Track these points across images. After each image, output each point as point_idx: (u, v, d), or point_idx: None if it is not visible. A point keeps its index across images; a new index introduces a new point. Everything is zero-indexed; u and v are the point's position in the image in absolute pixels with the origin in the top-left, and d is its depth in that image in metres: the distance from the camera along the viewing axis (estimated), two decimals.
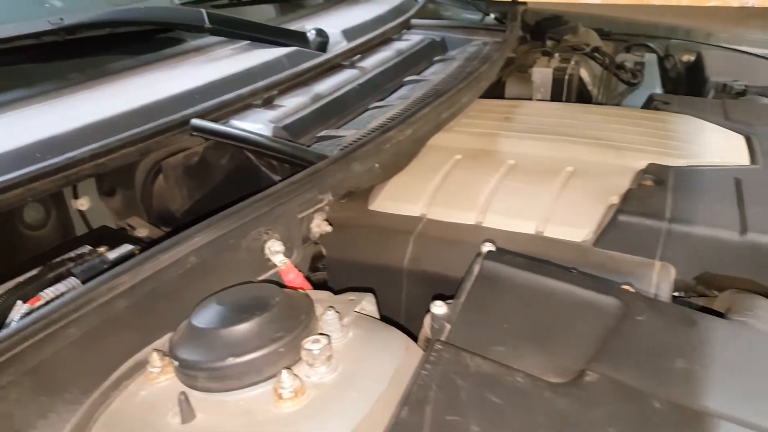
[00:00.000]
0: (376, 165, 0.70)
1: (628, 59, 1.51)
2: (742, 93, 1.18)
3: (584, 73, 1.34)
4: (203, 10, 0.87)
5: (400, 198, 0.78)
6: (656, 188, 0.75)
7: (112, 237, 0.75)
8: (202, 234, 0.51)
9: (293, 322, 0.44)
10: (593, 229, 0.70)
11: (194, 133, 0.73)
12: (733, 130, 0.93)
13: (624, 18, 1.68)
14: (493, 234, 0.69)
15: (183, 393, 0.41)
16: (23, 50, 0.73)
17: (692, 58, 1.47)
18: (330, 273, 0.74)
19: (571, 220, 0.71)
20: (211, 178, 0.83)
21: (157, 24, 0.84)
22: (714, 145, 0.88)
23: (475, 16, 1.47)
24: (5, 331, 0.42)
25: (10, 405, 0.41)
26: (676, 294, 0.65)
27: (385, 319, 0.56)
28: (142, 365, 0.48)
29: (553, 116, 0.99)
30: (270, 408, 0.41)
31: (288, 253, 0.60)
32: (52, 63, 0.76)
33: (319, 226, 0.66)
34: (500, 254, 0.57)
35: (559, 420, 0.38)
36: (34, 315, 0.43)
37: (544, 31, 1.44)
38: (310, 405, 0.41)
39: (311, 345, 0.43)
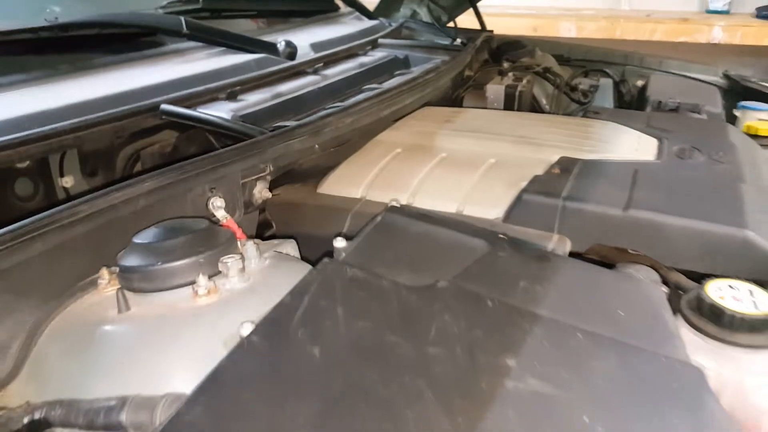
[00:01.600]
0: (316, 146, 0.82)
1: (584, 83, 1.64)
2: (674, 109, 1.30)
3: (537, 92, 1.47)
4: (182, 18, 1.00)
5: (344, 183, 0.89)
6: (561, 175, 0.86)
7: None
8: (152, 181, 0.62)
9: (214, 243, 0.55)
10: (504, 208, 0.81)
11: (163, 117, 0.85)
12: (649, 135, 1.05)
13: (584, 45, 1.82)
14: None
15: (120, 289, 0.52)
16: (22, 42, 0.85)
17: (644, 82, 1.60)
18: None
19: (486, 202, 0.83)
20: None
21: (140, 27, 0.97)
22: (626, 145, 1.00)
23: (445, 42, 1.61)
24: None
25: None
26: None
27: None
28: (94, 284, 0.59)
29: (488, 120, 1.11)
30: (189, 303, 0.52)
31: (230, 212, 0.71)
32: (46, 55, 0.89)
33: (260, 192, 0.77)
34: (401, 209, 0.68)
35: (406, 308, 0.49)
36: (7, 228, 0.54)
37: (503, 53, 1.58)
38: (220, 301, 0.52)
39: (227, 259, 0.54)
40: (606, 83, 1.70)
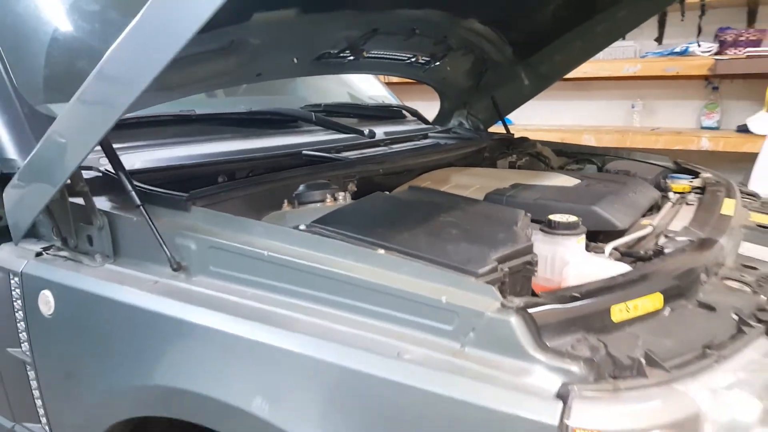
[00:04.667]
0: (380, 170, 1.59)
1: (573, 166, 2.35)
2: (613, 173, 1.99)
3: (534, 165, 2.20)
4: (313, 113, 1.83)
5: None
6: (510, 188, 1.57)
7: None
8: (303, 172, 1.40)
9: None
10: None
11: (303, 157, 1.64)
12: (577, 178, 1.74)
13: (579, 145, 2.55)
14: None
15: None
16: (229, 119, 1.69)
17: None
18: None
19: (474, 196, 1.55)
20: None
21: (292, 117, 1.81)
22: (558, 180, 1.69)
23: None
24: None
25: None
26: None
27: None
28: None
29: (485, 173, 1.85)
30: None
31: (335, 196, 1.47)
32: (242, 127, 1.72)
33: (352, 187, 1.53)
34: (421, 188, 1.42)
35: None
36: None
37: (516, 145, 2.33)
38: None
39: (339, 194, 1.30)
40: (591, 167, 2.40)
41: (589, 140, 3.55)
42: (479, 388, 0.79)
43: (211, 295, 1.03)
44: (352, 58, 1.68)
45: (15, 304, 1.26)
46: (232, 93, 1.88)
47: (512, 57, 2.27)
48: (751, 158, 3.30)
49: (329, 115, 1.94)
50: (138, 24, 0.91)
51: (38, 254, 1.25)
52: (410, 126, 2.28)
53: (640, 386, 0.78)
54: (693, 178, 1.97)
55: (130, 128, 1.18)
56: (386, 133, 2.02)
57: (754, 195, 1.98)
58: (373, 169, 1.54)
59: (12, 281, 1.25)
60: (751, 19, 3.61)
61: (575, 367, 0.78)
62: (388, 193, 1.32)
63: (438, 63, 2.07)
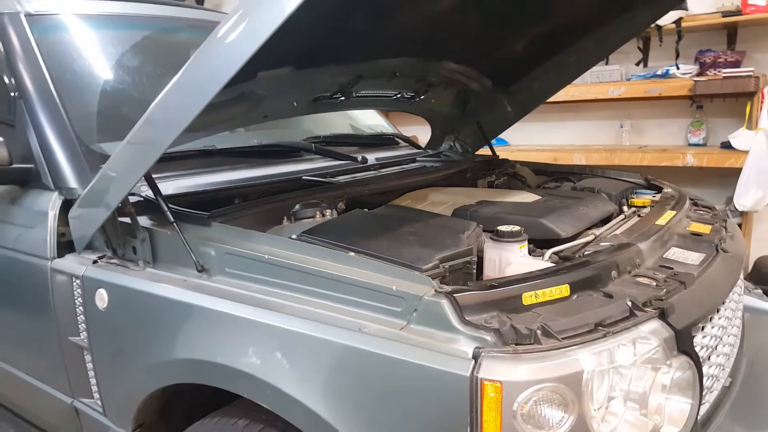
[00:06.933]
0: (366, 191, 1.90)
1: (551, 184, 2.64)
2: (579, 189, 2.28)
3: (510, 184, 2.50)
4: (313, 144, 2.16)
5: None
6: (476, 204, 1.87)
7: None
8: (299, 194, 1.72)
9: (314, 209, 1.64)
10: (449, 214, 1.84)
11: (303, 181, 1.97)
12: (539, 195, 2.04)
13: (557, 165, 2.85)
14: None
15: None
16: (242, 153, 2.02)
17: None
18: None
19: (445, 212, 1.86)
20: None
21: (293, 148, 2.14)
22: (521, 197, 2.00)
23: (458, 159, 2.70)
24: None
25: None
26: None
27: None
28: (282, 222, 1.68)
29: (460, 192, 2.16)
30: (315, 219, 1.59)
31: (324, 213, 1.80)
32: (253, 157, 2.05)
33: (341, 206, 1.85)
34: (397, 206, 1.74)
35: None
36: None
37: (497, 166, 2.64)
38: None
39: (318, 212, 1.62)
40: (569, 185, 2.69)
41: (579, 159, 3.84)
42: (418, 352, 1.08)
43: (227, 290, 1.35)
44: (343, 98, 1.99)
45: (76, 301, 1.60)
46: (247, 129, 2.23)
47: (492, 87, 2.56)
48: (735, 173, 3.56)
49: (328, 144, 2.26)
50: (177, 82, 1.25)
51: (94, 261, 1.60)
52: (402, 151, 2.59)
53: (534, 350, 1.07)
54: (656, 193, 2.25)
55: (164, 161, 1.50)
56: (377, 159, 2.33)
57: (710, 208, 2.23)
58: (359, 191, 1.86)
59: (74, 283, 1.60)
60: (731, 41, 3.88)
61: (487, 336, 1.08)
62: (366, 210, 1.64)
63: (422, 97, 2.37)
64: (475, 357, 1.05)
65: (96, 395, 1.67)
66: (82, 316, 1.60)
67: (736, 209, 3.55)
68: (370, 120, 2.79)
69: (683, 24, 3.72)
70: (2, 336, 2.01)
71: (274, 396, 1.22)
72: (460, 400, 1.03)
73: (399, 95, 2.28)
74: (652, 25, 3.65)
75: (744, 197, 3.52)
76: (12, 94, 1.79)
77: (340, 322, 1.19)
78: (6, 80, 1.82)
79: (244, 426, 1.34)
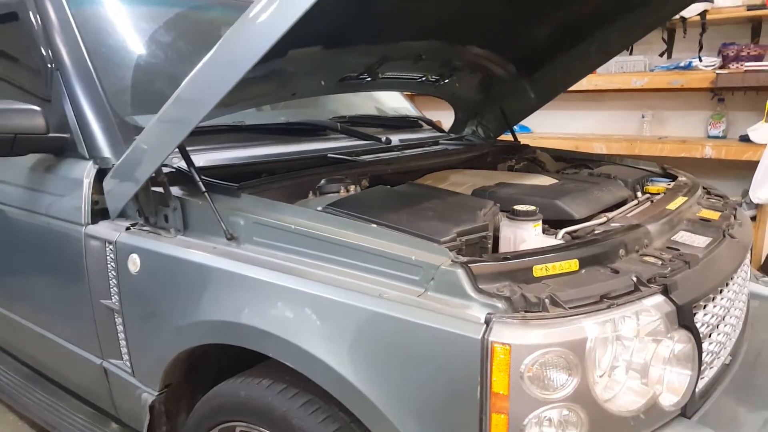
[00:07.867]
0: (389, 169, 1.97)
1: (570, 170, 2.68)
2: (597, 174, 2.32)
3: (530, 169, 2.54)
4: (338, 123, 2.23)
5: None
6: (494, 186, 1.93)
7: None
8: (327, 170, 1.79)
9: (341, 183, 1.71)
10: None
11: (329, 158, 2.03)
12: (556, 179, 2.09)
13: (578, 152, 2.88)
14: None
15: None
16: (275, 129, 2.09)
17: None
18: None
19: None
20: None
21: (319, 126, 2.21)
22: (539, 180, 2.05)
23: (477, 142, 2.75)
24: None
25: None
26: None
27: None
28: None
29: (481, 174, 2.22)
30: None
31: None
32: (281, 134, 2.12)
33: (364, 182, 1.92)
34: (416, 183, 1.80)
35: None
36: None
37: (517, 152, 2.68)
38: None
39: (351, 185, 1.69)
40: (585, 171, 2.72)
41: (600, 148, 3.87)
42: (434, 317, 1.16)
43: (254, 257, 1.43)
44: (369, 79, 2.05)
45: (109, 265, 1.69)
46: (275, 106, 2.30)
47: (516, 73, 2.60)
48: (753, 166, 3.57)
49: (353, 125, 2.32)
50: (209, 60, 1.32)
51: (127, 228, 1.68)
52: (425, 134, 2.65)
53: (542, 317, 1.14)
54: (671, 182, 2.29)
55: (195, 135, 1.56)
56: (401, 140, 2.39)
57: (722, 197, 2.27)
58: (382, 169, 1.92)
59: (107, 248, 1.68)
60: (755, 34, 3.87)
61: (498, 303, 1.14)
62: (388, 186, 1.71)
63: (447, 80, 2.42)
64: (487, 322, 1.12)
65: (125, 356, 1.76)
66: (114, 280, 1.69)
67: (752, 201, 3.56)
68: (394, 103, 2.84)
69: (708, 16, 3.72)
70: (35, 299, 2.11)
71: (298, 355, 1.29)
72: (472, 362, 1.10)
73: (424, 78, 2.33)
74: (677, 17, 3.66)
75: (759, 190, 3.52)
76: (49, 65, 1.87)
77: (362, 289, 1.25)
78: (43, 52, 1.90)
79: (267, 386, 1.42)
